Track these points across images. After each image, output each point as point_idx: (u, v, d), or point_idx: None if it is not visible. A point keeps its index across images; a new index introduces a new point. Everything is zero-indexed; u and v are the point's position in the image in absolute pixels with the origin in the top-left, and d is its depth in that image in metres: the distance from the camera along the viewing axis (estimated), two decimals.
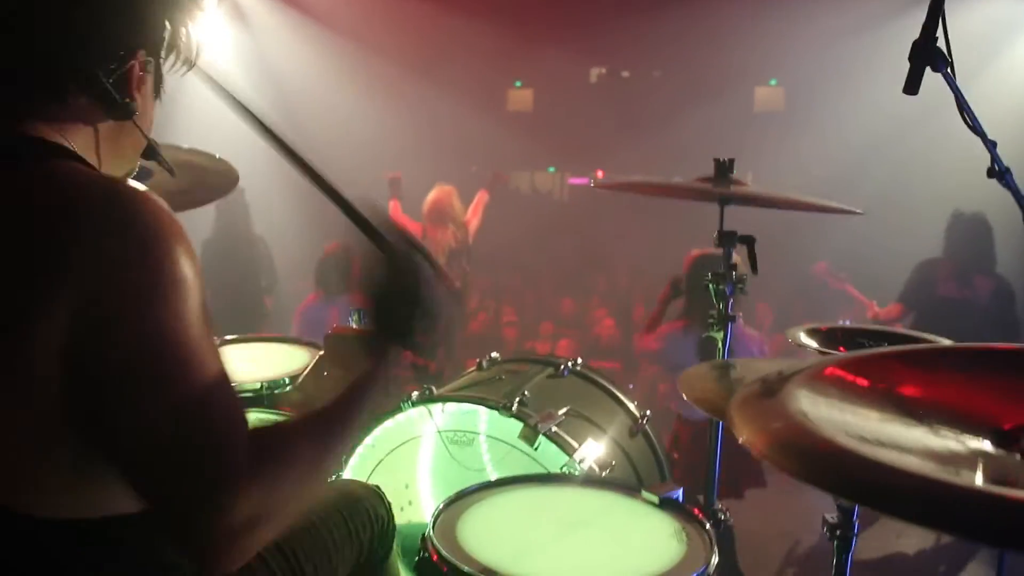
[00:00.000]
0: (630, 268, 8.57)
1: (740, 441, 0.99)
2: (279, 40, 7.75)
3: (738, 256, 2.11)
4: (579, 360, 2.61)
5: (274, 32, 7.74)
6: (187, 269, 0.96)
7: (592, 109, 11.07)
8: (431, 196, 5.90)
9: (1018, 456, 0.98)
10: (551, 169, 12.23)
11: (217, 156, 2.21)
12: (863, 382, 1.10)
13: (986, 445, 1.01)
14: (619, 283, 8.35)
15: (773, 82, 10.73)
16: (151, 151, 1.24)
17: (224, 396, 0.97)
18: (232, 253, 5.56)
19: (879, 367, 1.18)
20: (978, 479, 0.92)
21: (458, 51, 9.35)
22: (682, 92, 10.33)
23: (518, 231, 8.96)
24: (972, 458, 0.96)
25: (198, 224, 5.59)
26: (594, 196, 12.12)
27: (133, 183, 1.01)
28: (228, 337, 2.76)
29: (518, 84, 11.53)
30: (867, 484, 0.87)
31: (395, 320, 1.22)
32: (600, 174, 11.82)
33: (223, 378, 0.98)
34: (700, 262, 3.41)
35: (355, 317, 2.68)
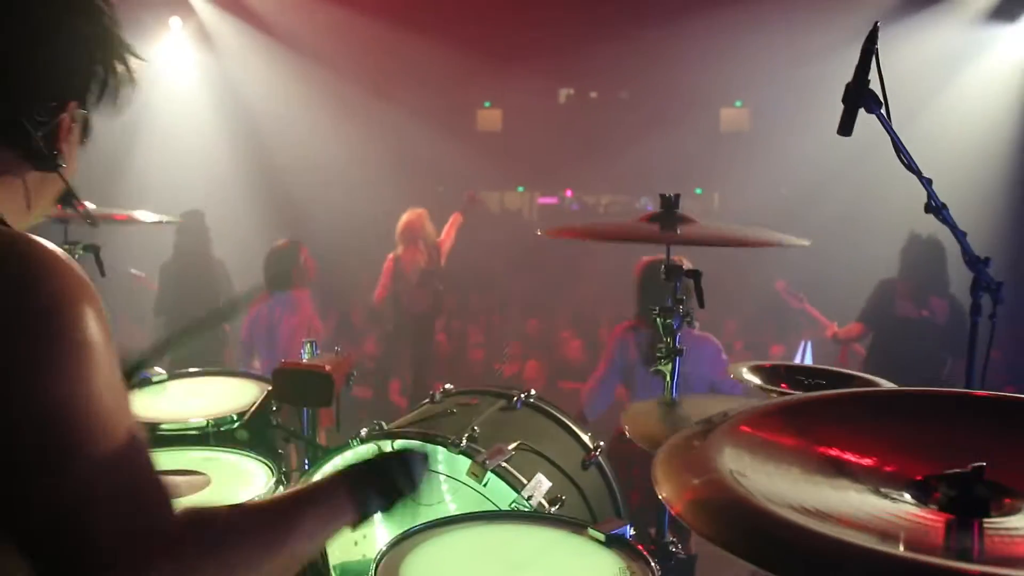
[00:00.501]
0: (597, 287, 8.61)
1: (661, 498, 0.99)
2: (245, 63, 7.72)
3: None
4: (532, 391, 2.60)
5: (240, 55, 7.70)
6: (95, 335, 0.92)
7: (561, 129, 11.17)
8: (404, 218, 5.97)
9: (935, 508, 0.99)
10: (520, 188, 12.29)
11: None
12: (787, 436, 1.10)
13: (905, 498, 1.01)
14: (586, 302, 8.38)
15: (739, 103, 10.89)
16: (68, 197, 1.22)
17: (135, 470, 0.92)
18: (190, 276, 5.49)
19: (803, 415, 1.19)
20: (899, 543, 0.92)
21: (427, 72, 9.39)
22: (649, 112, 10.46)
23: (487, 251, 8.97)
24: (892, 516, 0.96)
25: (157, 247, 5.52)
26: (563, 215, 12.19)
27: (44, 242, 0.98)
28: (189, 370, 2.71)
29: (487, 104, 11.59)
30: (783, 554, 0.86)
31: (388, 490, 1.25)
32: (569, 193, 11.90)
33: (135, 451, 0.93)
34: (651, 265, 3.50)
35: (307, 348, 2.66)
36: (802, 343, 5.88)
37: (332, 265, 6.77)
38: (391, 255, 6.00)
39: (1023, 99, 6.11)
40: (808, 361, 5.92)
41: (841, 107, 1.90)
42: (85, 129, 1.17)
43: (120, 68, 1.17)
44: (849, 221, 7.19)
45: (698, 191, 11.67)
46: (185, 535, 0.93)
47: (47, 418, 0.88)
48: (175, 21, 7.59)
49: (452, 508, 2.31)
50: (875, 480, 1.02)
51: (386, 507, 1.24)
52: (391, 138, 9.42)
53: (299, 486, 1.18)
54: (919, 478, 1.01)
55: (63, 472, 0.87)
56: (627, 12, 8.88)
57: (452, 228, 6.20)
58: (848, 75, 1.99)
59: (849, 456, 1.06)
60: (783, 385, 1.73)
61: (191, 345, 5.26)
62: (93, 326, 0.93)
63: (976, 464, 0.99)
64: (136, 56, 1.20)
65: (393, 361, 6.25)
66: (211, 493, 1.98)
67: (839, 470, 1.05)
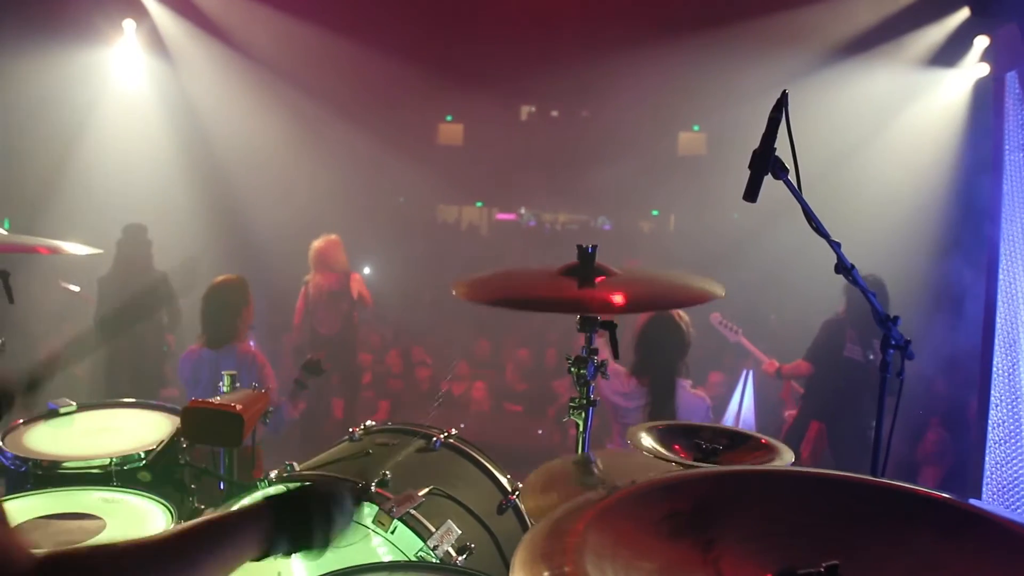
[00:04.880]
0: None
1: None
2: (200, 70, 7.59)
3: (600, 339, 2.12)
4: (453, 431, 2.58)
5: (195, 62, 7.57)
6: None
7: (521, 146, 11.18)
8: (315, 244, 5.90)
9: None
10: (479, 204, 12.28)
11: None
12: (653, 525, 1.10)
13: None
14: (536, 321, 8.36)
15: (696, 128, 11.02)
16: None
17: None
18: (131, 290, 5.35)
19: (676, 498, 1.19)
20: None
21: (389, 85, 9.34)
22: (609, 133, 10.53)
23: (442, 266, 8.94)
24: None
25: (95, 261, 5.39)
26: (521, 231, 12.21)
27: None
28: (100, 401, 2.63)
29: (449, 118, 11.57)
30: None
31: (300, 540, 1.23)
32: (526, 210, 11.94)
33: None
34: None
35: (226, 382, 2.60)
36: (744, 372, 5.94)
37: (284, 281, 6.69)
38: (305, 280, 5.99)
39: (961, 142, 6.29)
40: (750, 390, 5.99)
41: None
42: None
43: None
44: (797, 251, 7.29)
45: (655, 212, 11.78)
46: None
47: None
48: (129, 24, 7.45)
49: (379, 553, 2.27)
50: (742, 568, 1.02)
51: (296, 549, 1.22)
52: (351, 150, 9.35)
53: (208, 516, 1.15)
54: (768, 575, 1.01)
55: None
56: (590, 34, 8.94)
57: (362, 288, 6.13)
58: (798, 107, 2.00)
59: (713, 551, 1.06)
60: (676, 447, 1.72)
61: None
62: None
63: (829, 563, 0.99)
64: None
65: (325, 380, 6.20)
66: (104, 539, 1.92)
67: (701, 564, 1.05)
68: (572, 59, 9.18)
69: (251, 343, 3.98)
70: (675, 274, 2.25)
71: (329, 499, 1.27)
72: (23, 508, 1.95)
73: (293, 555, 1.24)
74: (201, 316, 3.94)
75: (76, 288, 5.79)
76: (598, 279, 2.08)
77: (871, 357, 4.70)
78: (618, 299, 1.98)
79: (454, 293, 2.04)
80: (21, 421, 2.37)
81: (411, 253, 9.52)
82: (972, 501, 1.30)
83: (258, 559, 1.18)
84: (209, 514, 2.33)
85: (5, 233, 2.26)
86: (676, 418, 3.56)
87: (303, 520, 1.22)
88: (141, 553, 1.03)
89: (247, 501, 2.26)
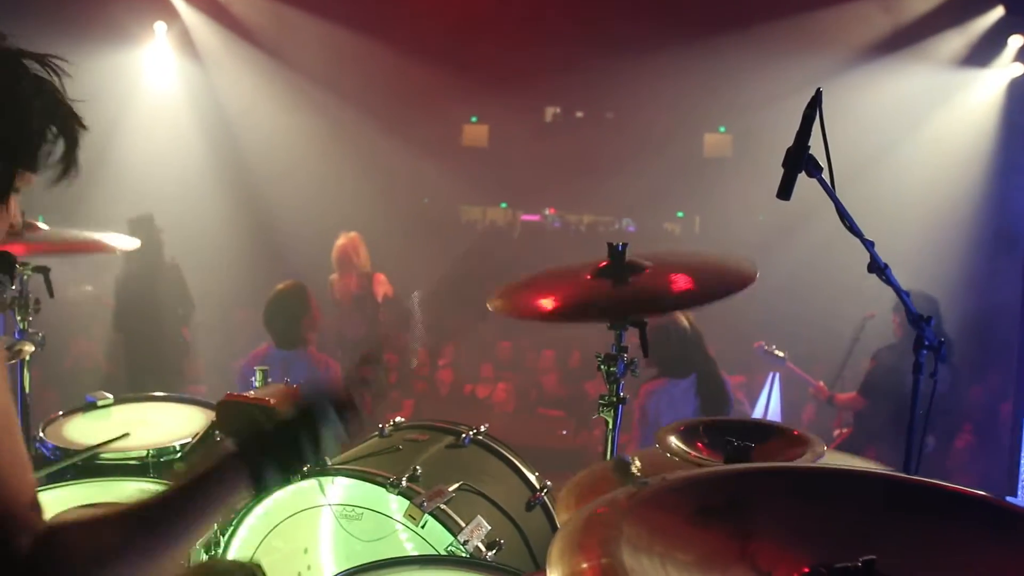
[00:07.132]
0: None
1: None
2: (229, 71, 7.69)
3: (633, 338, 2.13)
4: (482, 428, 2.60)
5: (224, 63, 7.68)
6: None
7: (546, 147, 11.18)
8: (338, 243, 5.80)
9: None
10: (503, 205, 12.31)
11: None
12: (689, 518, 1.11)
13: None
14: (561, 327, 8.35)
15: (722, 129, 10.97)
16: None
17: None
18: (144, 286, 5.38)
19: (710, 492, 1.19)
20: None
21: (414, 86, 9.39)
22: (634, 134, 10.51)
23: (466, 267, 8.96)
24: None
25: (108, 261, 5.41)
26: (546, 233, 12.21)
27: None
28: (136, 395, 2.68)
29: (474, 119, 11.61)
30: None
31: (287, 460, 1.20)
32: (551, 211, 11.96)
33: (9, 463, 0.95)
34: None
35: (259, 377, 2.64)
36: (770, 374, 5.90)
37: (310, 280, 6.73)
38: (330, 280, 5.87)
39: (994, 141, 6.21)
40: (776, 392, 5.94)
41: (815, 137, 1.90)
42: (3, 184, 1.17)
43: (67, 135, 1.17)
44: (823, 253, 7.22)
45: (680, 214, 11.73)
46: (40, 563, 0.95)
47: None
48: (160, 26, 7.57)
49: (408, 548, 2.29)
50: (768, 570, 1.03)
51: (286, 476, 1.20)
52: (376, 150, 9.41)
53: (188, 476, 1.14)
54: (806, 570, 1.02)
55: None
56: (616, 35, 8.93)
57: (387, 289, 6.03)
58: (826, 108, 1.99)
59: (750, 544, 1.06)
60: (699, 445, 1.72)
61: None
62: None
63: (866, 558, 1.00)
64: (82, 125, 1.19)
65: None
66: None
67: (738, 557, 1.05)
68: (597, 60, 9.17)
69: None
70: (706, 255, 2.23)
71: (312, 421, 1.21)
72: (63, 497, 2.00)
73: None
74: (264, 324, 4.11)
75: (89, 288, 5.88)
76: (632, 277, 2.09)
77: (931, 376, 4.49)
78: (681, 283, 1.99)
79: (490, 308, 2.06)
80: (60, 413, 2.43)
81: (435, 253, 9.56)
82: (1008, 499, 1.29)
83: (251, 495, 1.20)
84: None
85: (47, 229, 2.32)
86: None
87: (287, 447, 1.19)
88: (126, 523, 1.07)
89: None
